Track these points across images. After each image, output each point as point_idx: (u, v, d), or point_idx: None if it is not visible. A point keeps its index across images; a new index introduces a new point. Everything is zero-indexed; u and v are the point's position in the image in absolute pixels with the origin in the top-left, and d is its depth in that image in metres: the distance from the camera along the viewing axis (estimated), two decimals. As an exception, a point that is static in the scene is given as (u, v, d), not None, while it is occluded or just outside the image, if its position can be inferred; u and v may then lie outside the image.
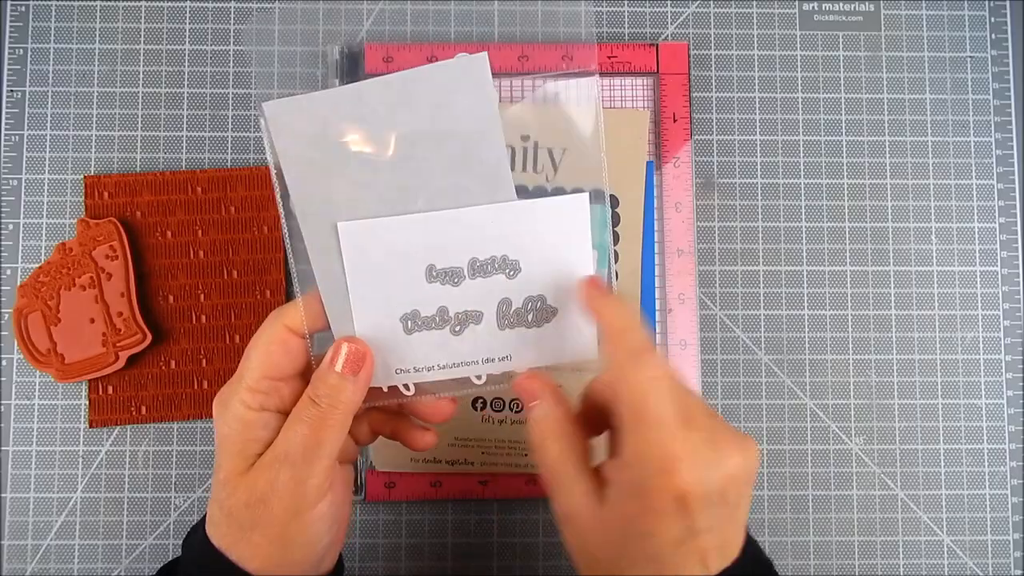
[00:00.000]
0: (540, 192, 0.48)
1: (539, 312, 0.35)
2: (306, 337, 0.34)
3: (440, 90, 0.33)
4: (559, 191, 0.48)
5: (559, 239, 0.34)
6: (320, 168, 0.33)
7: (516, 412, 0.48)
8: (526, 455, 0.48)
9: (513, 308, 0.35)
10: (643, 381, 0.29)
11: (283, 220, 0.34)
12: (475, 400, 0.48)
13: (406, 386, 0.36)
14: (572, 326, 0.35)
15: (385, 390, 0.36)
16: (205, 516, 0.34)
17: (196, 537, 0.34)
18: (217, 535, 0.33)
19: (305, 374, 0.35)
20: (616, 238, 0.49)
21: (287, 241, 0.34)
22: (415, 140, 0.33)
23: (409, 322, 0.35)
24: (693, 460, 0.28)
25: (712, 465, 0.29)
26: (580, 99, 0.50)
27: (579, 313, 0.35)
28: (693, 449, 0.29)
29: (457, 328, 0.35)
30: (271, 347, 0.33)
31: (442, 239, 0.34)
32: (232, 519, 0.32)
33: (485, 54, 0.33)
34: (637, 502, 0.29)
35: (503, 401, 0.48)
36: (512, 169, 0.48)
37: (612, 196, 0.49)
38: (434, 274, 0.34)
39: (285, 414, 0.33)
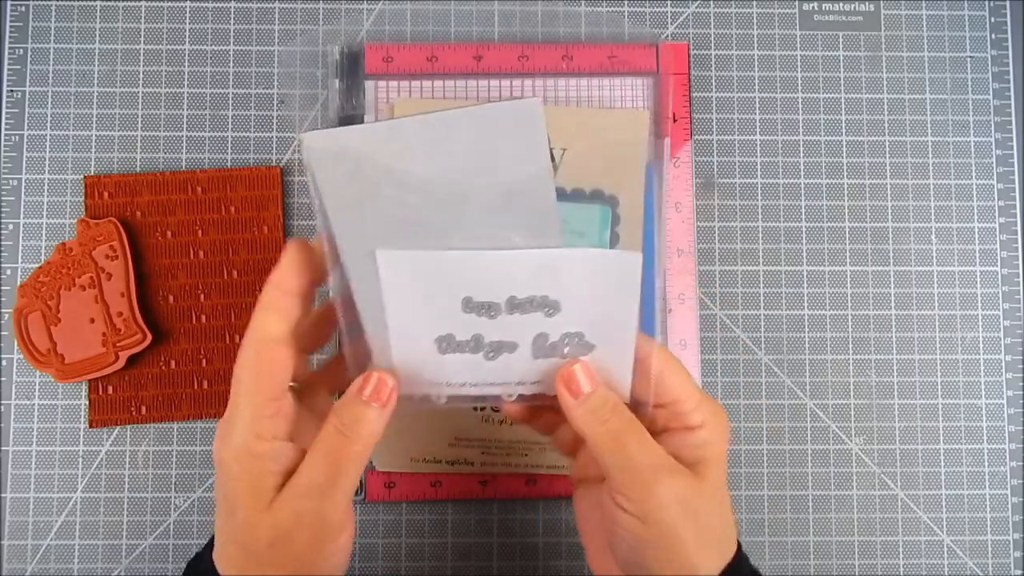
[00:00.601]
0: None
1: (575, 347, 0.34)
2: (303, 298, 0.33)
3: (486, 134, 0.32)
4: (559, 191, 0.48)
5: (604, 288, 0.33)
6: (357, 200, 0.32)
7: None
8: (526, 455, 0.48)
9: (549, 342, 0.34)
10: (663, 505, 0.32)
11: (326, 248, 0.33)
12: None
13: (437, 396, 0.35)
14: (608, 363, 0.34)
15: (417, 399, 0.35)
16: (206, 551, 0.33)
17: (202, 567, 0.33)
18: (231, 568, 0.32)
19: (296, 390, 0.34)
20: (616, 238, 0.49)
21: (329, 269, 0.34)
22: (453, 182, 0.32)
23: (444, 343, 0.34)
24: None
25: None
26: (581, 99, 0.50)
27: (618, 353, 0.34)
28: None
29: (491, 355, 0.34)
30: (263, 365, 0.32)
31: (480, 275, 0.33)
32: (251, 556, 0.31)
33: (537, 100, 0.32)
34: None
35: None
36: None
37: (612, 196, 0.49)
38: (470, 306, 0.33)
39: (290, 440, 0.32)
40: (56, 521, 0.47)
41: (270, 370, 0.32)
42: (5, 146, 0.49)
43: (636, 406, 0.34)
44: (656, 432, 0.34)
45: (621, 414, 0.33)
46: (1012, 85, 0.51)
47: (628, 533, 0.33)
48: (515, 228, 0.33)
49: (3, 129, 0.49)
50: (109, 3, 0.50)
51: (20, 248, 0.48)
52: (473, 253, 0.32)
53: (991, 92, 0.51)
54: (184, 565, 0.36)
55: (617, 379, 0.34)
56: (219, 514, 0.33)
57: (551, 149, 0.47)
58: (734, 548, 0.34)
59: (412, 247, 0.32)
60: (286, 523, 0.31)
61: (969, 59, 0.51)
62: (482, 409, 0.48)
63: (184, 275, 0.48)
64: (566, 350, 0.34)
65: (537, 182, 0.33)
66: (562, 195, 0.48)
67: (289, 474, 0.32)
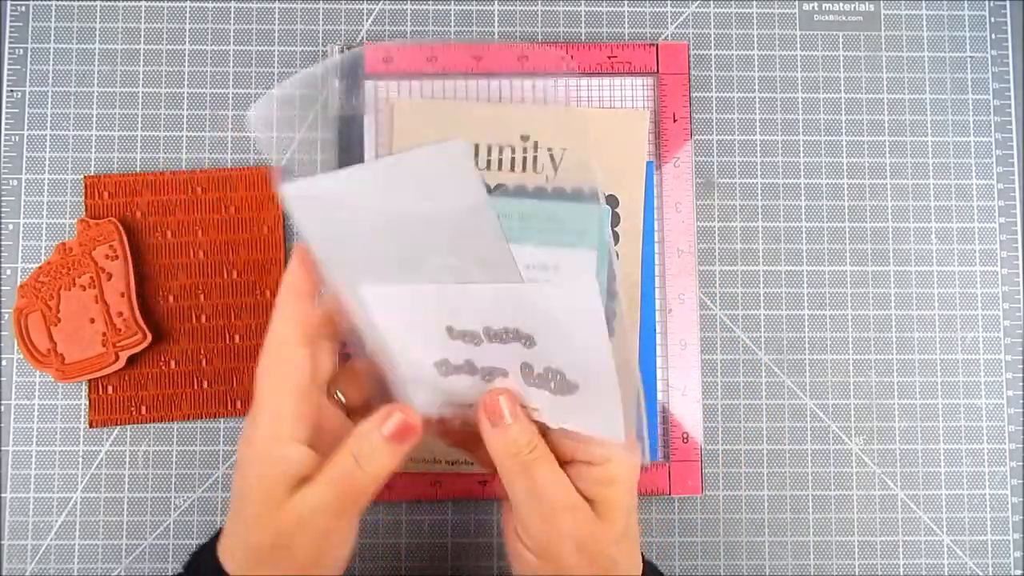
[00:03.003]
0: (539, 193, 0.48)
1: (560, 384, 0.34)
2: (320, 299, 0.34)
3: (427, 176, 0.33)
4: (559, 191, 0.48)
5: (570, 322, 0.33)
6: (337, 239, 0.33)
7: None
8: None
9: (536, 372, 0.34)
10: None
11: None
12: None
13: (452, 416, 0.36)
14: (596, 404, 0.34)
15: (433, 419, 0.36)
16: (212, 542, 0.34)
17: (203, 561, 0.34)
18: (234, 566, 0.32)
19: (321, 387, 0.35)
20: (616, 238, 0.49)
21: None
22: (413, 221, 0.33)
23: (443, 367, 0.34)
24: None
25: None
26: (580, 100, 0.50)
27: (602, 393, 0.33)
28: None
29: (487, 377, 0.34)
30: (281, 367, 0.33)
31: (456, 305, 0.33)
32: (253, 555, 0.32)
33: (464, 143, 0.33)
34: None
35: None
36: (512, 170, 0.49)
37: (611, 196, 0.49)
38: (454, 334, 0.34)
39: (309, 444, 0.33)
40: (56, 521, 0.47)
41: (287, 372, 0.33)
42: (5, 146, 0.49)
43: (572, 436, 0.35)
44: (563, 462, 0.34)
45: (537, 449, 0.33)
46: (1012, 85, 0.51)
47: (526, 564, 0.34)
48: (472, 262, 0.34)
49: (3, 129, 0.49)
50: (109, 3, 0.50)
51: (20, 248, 0.48)
52: (442, 286, 0.33)
53: (991, 92, 0.51)
54: (183, 565, 0.36)
55: (606, 421, 0.33)
56: (231, 509, 0.33)
57: (550, 150, 0.48)
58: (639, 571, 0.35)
59: (392, 280, 0.33)
60: (289, 530, 0.31)
61: (969, 59, 0.51)
62: None
63: (184, 275, 0.48)
64: (552, 384, 0.34)
65: (478, 218, 0.33)
66: (562, 195, 0.49)
67: (303, 479, 0.32)
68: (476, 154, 0.49)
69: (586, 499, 0.33)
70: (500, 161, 0.49)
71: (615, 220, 0.49)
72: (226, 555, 0.33)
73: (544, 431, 0.35)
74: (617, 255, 0.49)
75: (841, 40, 0.51)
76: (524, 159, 0.49)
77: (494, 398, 0.34)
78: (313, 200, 0.33)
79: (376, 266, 0.33)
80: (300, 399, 0.33)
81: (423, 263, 0.34)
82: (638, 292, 0.48)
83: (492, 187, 0.48)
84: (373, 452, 0.32)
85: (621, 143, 0.49)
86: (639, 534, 0.36)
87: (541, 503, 0.33)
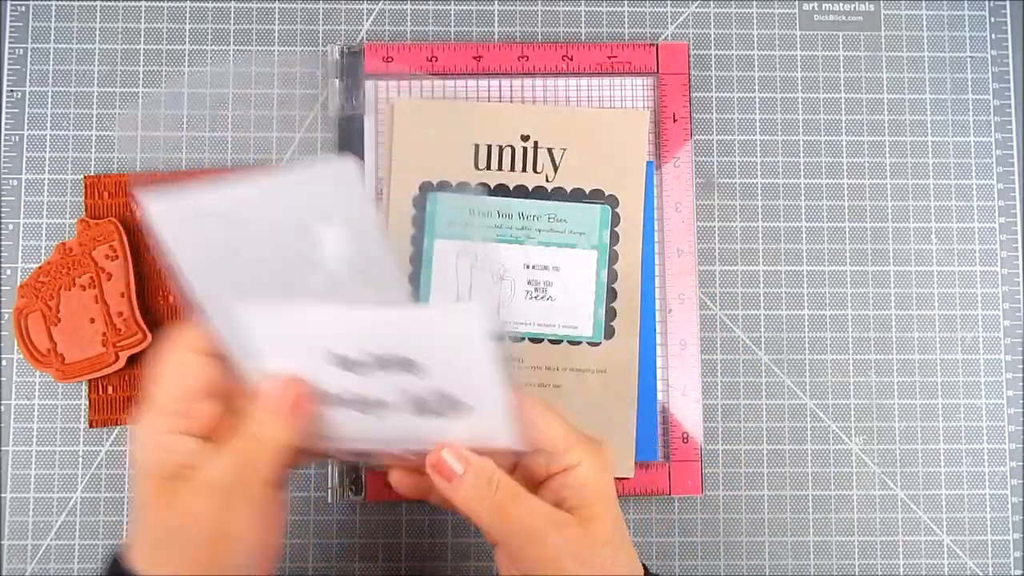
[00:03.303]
0: (540, 193, 0.48)
1: (453, 407, 0.33)
2: (217, 357, 0.33)
3: (314, 198, 0.32)
4: (559, 191, 0.48)
5: (462, 347, 0.32)
6: (209, 259, 0.32)
7: None
8: None
9: (427, 401, 0.33)
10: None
11: (186, 300, 0.33)
12: None
13: (327, 448, 0.35)
14: (489, 421, 0.33)
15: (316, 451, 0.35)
16: (118, 552, 0.33)
17: (115, 564, 0.33)
18: (138, 560, 0.32)
19: (224, 396, 0.34)
20: (616, 238, 0.49)
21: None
22: (298, 242, 0.32)
23: (320, 396, 0.34)
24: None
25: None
26: (581, 100, 0.50)
27: (492, 408, 0.33)
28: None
29: (365, 409, 0.34)
30: (181, 368, 0.33)
31: (339, 329, 0.32)
32: (153, 543, 0.32)
33: (353, 162, 0.32)
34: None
35: None
36: (512, 169, 0.48)
37: (612, 196, 0.49)
38: (333, 360, 0.33)
39: (206, 439, 0.33)
40: (56, 521, 0.47)
41: (182, 371, 0.33)
42: (5, 146, 0.49)
43: (519, 455, 0.35)
44: (540, 482, 0.35)
45: (499, 485, 0.33)
46: (1012, 85, 0.51)
47: None
48: (364, 284, 0.33)
49: (3, 129, 0.49)
50: (109, 3, 0.50)
51: (20, 248, 0.48)
52: (328, 308, 0.32)
53: (991, 92, 0.51)
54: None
55: (502, 436, 0.34)
56: (132, 507, 0.34)
57: (550, 150, 0.47)
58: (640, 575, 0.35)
59: (269, 301, 0.32)
60: (185, 513, 0.32)
61: (969, 59, 0.51)
62: None
63: (184, 275, 0.48)
64: (444, 409, 0.33)
65: (368, 240, 0.33)
66: (562, 195, 0.48)
67: (188, 467, 0.32)
68: (476, 154, 0.48)
69: (570, 509, 0.34)
70: (500, 161, 0.48)
71: (615, 220, 0.49)
72: (134, 554, 0.32)
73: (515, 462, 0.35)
74: (617, 255, 0.48)
75: (841, 40, 0.51)
76: (524, 159, 0.49)
77: (437, 456, 0.34)
78: (183, 215, 0.32)
79: (255, 284, 0.32)
80: (193, 398, 0.33)
81: (312, 284, 0.33)
82: (638, 293, 0.48)
83: (492, 187, 0.48)
84: (260, 428, 0.33)
85: (621, 143, 0.49)
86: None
87: (524, 534, 0.33)
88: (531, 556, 0.33)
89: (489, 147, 0.48)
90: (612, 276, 0.48)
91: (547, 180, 0.49)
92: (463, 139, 0.48)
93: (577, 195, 0.49)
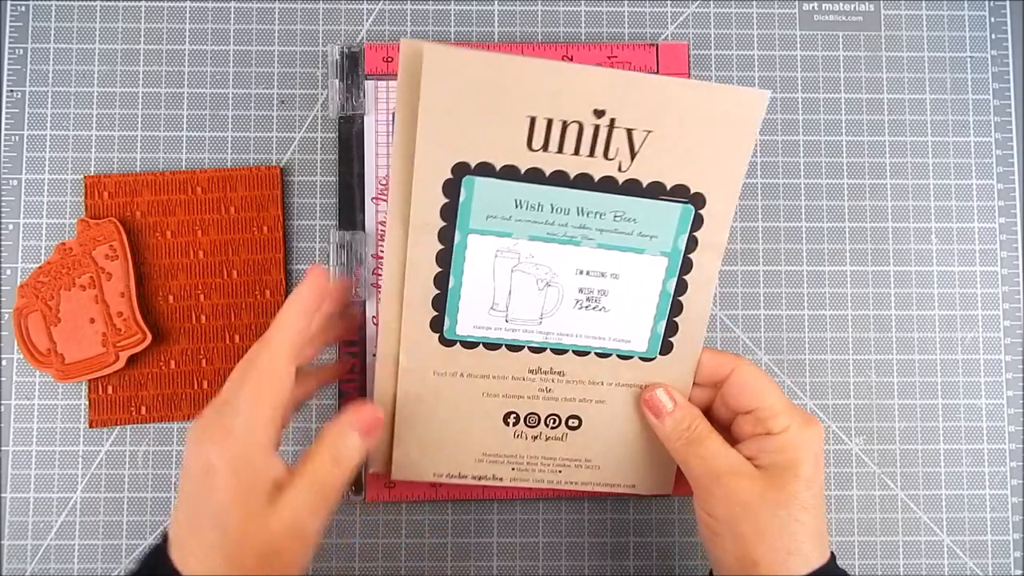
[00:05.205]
0: (607, 184, 0.38)
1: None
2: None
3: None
4: (632, 184, 0.38)
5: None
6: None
7: (552, 428, 0.43)
8: (560, 471, 0.44)
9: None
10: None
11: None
12: (507, 416, 0.43)
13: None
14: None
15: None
16: (160, 546, 0.33)
17: (159, 566, 0.33)
18: (187, 559, 0.32)
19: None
20: (694, 244, 0.40)
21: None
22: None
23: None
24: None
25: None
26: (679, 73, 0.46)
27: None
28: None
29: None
30: (274, 378, 0.34)
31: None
32: (234, 566, 0.32)
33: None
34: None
35: (538, 416, 0.43)
36: (576, 153, 0.38)
37: (697, 194, 0.39)
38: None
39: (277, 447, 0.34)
40: (56, 521, 0.47)
41: (279, 384, 0.33)
42: (5, 146, 0.49)
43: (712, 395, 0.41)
44: (742, 438, 0.39)
45: (699, 426, 0.39)
46: (1012, 85, 0.51)
47: (704, 527, 0.38)
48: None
49: (3, 129, 0.49)
50: (109, 3, 0.50)
51: (20, 248, 0.48)
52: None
53: (991, 92, 0.51)
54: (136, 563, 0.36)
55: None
56: (194, 520, 0.32)
57: (630, 131, 0.37)
58: (823, 557, 0.36)
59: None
60: (280, 538, 0.32)
61: (969, 59, 0.51)
62: (515, 424, 0.43)
63: (184, 275, 0.48)
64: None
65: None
66: (635, 189, 0.38)
67: (276, 488, 0.33)
68: (531, 130, 0.37)
69: (761, 468, 0.37)
70: (562, 142, 0.37)
71: (696, 223, 0.39)
72: (192, 567, 0.32)
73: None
74: (691, 264, 0.40)
75: (841, 40, 0.51)
76: (594, 141, 0.37)
77: (651, 393, 0.40)
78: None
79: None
80: (281, 410, 0.34)
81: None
82: (708, 308, 0.41)
83: (548, 174, 0.38)
84: (351, 450, 0.34)
85: (724, 129, 0.37)
86: (824, 511, 0.38)
87: (712, 472, 0.37)
88: (706, 495, 0.38)
89: (549, 122, 0.36)
90: (680, 287, 0.40)
91: (620, 169, 0.38)
92: (515, 109, 0.36)
93: (654, 190, 0.38)
